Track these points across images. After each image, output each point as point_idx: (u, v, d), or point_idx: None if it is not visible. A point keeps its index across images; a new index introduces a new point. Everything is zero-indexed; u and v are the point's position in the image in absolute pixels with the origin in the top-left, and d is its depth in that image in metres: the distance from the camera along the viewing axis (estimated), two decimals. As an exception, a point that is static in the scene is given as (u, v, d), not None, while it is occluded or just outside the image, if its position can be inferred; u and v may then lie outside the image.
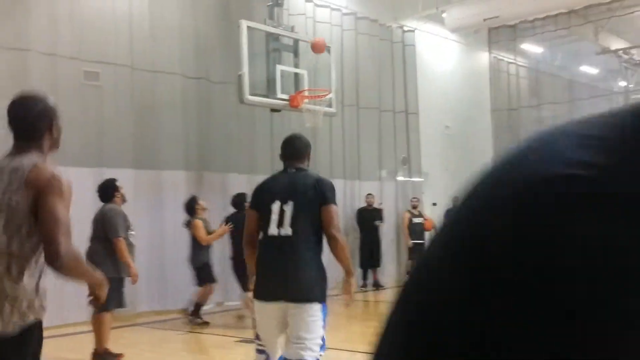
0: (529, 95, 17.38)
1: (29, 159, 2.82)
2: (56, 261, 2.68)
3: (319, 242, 4.17)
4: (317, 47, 10.61)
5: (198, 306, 9.32)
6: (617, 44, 18.94)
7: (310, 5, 13.28)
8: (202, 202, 9.38)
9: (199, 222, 9.10)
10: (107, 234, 6.66)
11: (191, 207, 9.34)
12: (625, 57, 19.06)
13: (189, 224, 9.28)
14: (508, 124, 16.31)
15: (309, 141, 4.62)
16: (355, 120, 14.25)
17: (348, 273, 4.40)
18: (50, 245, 2.67)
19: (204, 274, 9.13)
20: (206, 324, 9.18)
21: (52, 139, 3.00)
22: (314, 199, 4.11)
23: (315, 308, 4.04)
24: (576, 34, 17.05)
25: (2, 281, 2.74)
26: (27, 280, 2.75)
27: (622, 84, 19.96)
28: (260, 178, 13.00)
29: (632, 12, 15.46)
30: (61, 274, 2.76)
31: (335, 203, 4.12)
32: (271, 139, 12.16)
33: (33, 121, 2.94)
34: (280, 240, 4.10)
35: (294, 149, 4.42)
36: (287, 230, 4.11)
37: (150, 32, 10.68)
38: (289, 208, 4.12)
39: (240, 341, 7.72)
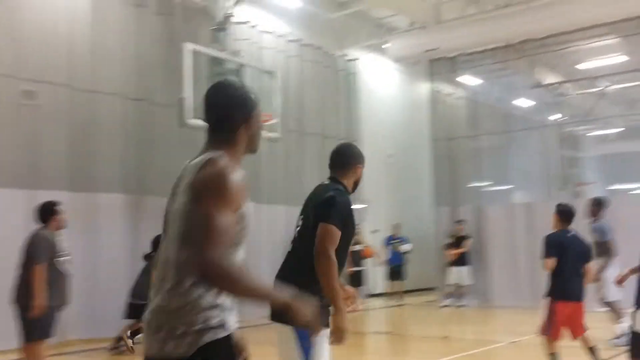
0: (467, 126, 17.83)
1: (208, 155, 2.40)
2: (204, 272, 2.19)
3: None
4: None
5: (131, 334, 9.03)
6: (550, 78, 19.73)
7: (255, 31, 13.34)
8: None
9: None
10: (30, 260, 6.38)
11: None
12: (558, 90, 19.85)
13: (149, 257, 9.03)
14: (447, 153, 16.66)
15: (360, 153, 4.11)
16: (298, 146, 14.30)
17: (332, 304, 3.63)
18: (196, 254, 2.20)
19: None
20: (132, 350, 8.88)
21: (249, 135, 2.59)
22: (317, 214, 3.67)
23: (289, 333, 3.47)
24: (512, 68, 17.68)
25: (171, 296, 2.32)
26: (201, 293, 2.31)
27: (555, 116, 20.75)
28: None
29: (565, 48, 16.16)
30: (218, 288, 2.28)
31: (332, 222, 3.60)
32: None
33: (225, 110, 2.54)
34: (285, 256, 3.80)
35: (335, 157, 3.99)
36: (290, 247, 3.81)
37: (91, 51, 10.47)
38: (300, 223, 3.79)
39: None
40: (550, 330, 6.29)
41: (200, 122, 10.11)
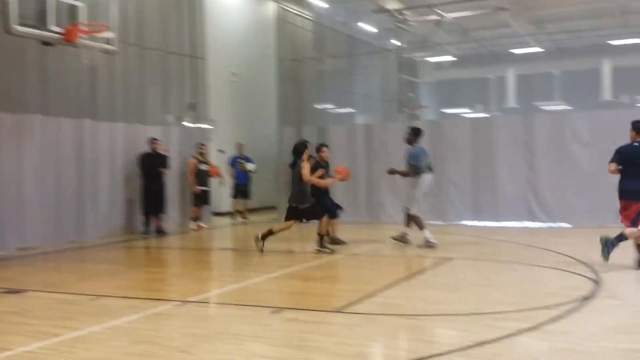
0: (313, 48, 17.96)
1: None
2: None
3: None
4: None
5: None
6: (392, 4, 20.28)
7: None
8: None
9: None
10: None
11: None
12: (399, 17, 20.48)
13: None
14: (292, 74, 16.74)
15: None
16: (139, 61, 13.61)
17: None
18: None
19: None
20: None
21: None
22: None
23: None
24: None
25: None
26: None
27: (396, 42, 21.46)
28: (30, 117, 11.94)
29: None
30: None
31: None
32: (43, 74, 11.18)
33: None
34: None
35: None
36: None
37: None
38: None
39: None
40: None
41: (28, 30, 9.30)
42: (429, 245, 10.06)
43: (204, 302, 6.72)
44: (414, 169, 10.21)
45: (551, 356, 4.49)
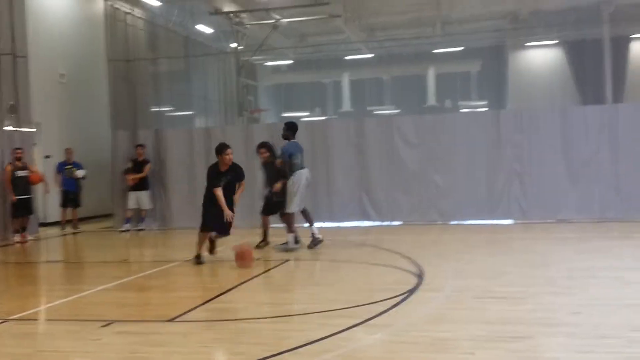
0: (147, 48, 17.43)
1: None
2: None
3: None
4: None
5: None
6: (229, 6, 20.25)
7: None
8: None
9: None
10: None
11: None
12: (237, 19, 20.50)
13: None
14: (125, 75, 16.11)
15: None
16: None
17: None
18: None
19: None
20: None
21: None
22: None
23: None
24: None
25: None
26: None
27: (233, 45, 21.45)
28: None
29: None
30: None
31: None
32: None
33: None
34: None
35: None
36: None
37: None
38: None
39: None
40: None
41: None
42: (287, 249, 9.98)
43: (27, 319, 6.27)
44: (290, 166, 10.04)
45: (374, 348, 4.76)
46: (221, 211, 8.87)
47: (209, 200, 9.05)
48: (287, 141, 10.30)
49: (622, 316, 5.38)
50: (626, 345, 4.58)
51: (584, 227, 11.78)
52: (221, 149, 9.12)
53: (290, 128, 10.44)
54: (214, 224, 9.07)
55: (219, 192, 8.93)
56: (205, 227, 9.17)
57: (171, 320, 5.81)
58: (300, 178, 10.09)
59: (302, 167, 10.19)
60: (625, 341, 4.65)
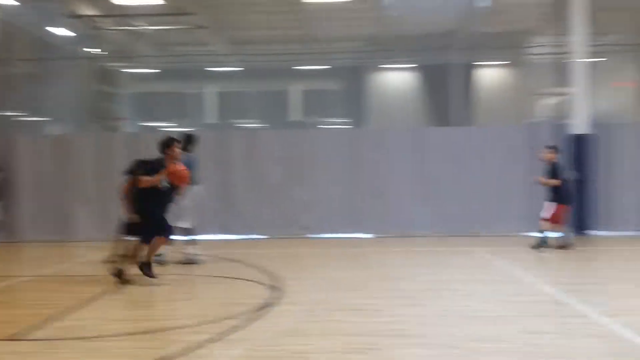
0: (-3, 48, 16.22)
1: None
2: None
3: None
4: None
5: None
6: (87, 10, 19.34)
7: None
8: None
9: None
10: None
11: None
12: (95, 24, 19.62)
13: None
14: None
15: None
16: None
17: None
18: None
19: None
20: None
21: None
22: None
23: None
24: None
25: None
26: None
27: (92, 50, 20.53)
28: None
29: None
30: None
31: None
32: None
33: None
34: None
35: None
36: None
37: None
38: None
39: None
40: None
41: None
42: (190, 261, 9.61)
43: None
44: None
45: (231, 365, 4.66)
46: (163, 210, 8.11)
47: (150, 201, 7.98)
48: (185, 153, 9.44)
49: (469, 327, 5.69)
50: (472, 355, 4.83)
51: (433, 241, 12.41)
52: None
53: (189, 140, 9.80)
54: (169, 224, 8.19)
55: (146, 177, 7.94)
56: (169, 232, 8.18)
57: (9, 339, 5.35)
58: (196, 193, 9.78)
59: (198, 182, 9.81)
60: (471, 352, 4.91)
